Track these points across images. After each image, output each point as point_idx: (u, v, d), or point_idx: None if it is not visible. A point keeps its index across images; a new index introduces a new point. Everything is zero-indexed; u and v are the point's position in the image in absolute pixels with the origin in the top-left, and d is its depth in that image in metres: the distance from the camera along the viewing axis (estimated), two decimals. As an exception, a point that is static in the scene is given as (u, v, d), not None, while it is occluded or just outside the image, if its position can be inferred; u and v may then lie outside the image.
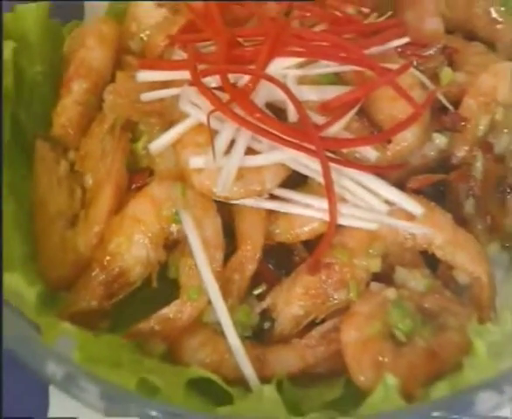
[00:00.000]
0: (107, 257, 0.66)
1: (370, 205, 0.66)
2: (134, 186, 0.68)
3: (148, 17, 0.72)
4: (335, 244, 0.66)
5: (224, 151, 0.66)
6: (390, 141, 0.67)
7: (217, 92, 0.66)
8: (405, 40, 0.69)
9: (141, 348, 0.66)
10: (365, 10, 0.71)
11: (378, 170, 0.67)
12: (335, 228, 0.65)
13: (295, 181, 0.67)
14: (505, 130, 0.69)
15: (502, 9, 0.71)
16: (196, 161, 0.66)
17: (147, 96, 0.68)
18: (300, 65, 0.68)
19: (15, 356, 0.61)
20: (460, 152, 0.68)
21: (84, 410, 0.62)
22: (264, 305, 0.66)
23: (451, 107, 0.69)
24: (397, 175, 0.68)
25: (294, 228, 0.67)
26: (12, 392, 0.67)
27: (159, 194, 0.67)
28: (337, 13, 0.70)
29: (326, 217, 0.65)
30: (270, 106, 0.67)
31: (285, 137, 0.65)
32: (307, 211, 0.67)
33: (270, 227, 0.67)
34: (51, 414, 0.68)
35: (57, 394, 0.67)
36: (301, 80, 0.68)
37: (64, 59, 0.71)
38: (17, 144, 0.69)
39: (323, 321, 0.66)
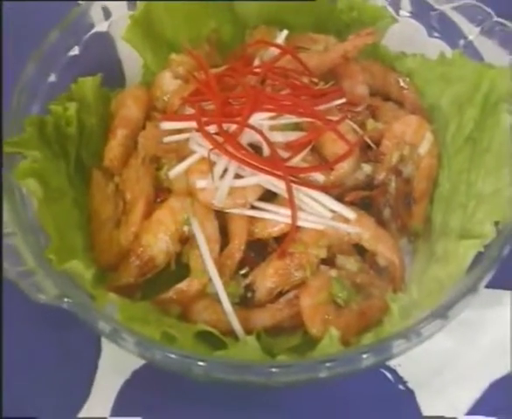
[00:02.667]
0: (140, 249, 0.67)
1: (319, 212, 0.67)
2: (158, 200, 0.69)
3: (168, 85, 0.72)
4: (296, 240, 0.67)
5: (220, 176, 0.67)
6: (332, 169, 0.68)
7: (215, 136, 0.67)
8: (343, 100, 0.69)
9: (163, 311, 0.66)
10: (315, 80, 0.71)
11: (325, 189, 0.68)
12: (295, 228, 0.66)
13: (268, 196, 0.68)
14: (410, 161, 0.70)
15: (407, 79, 0.72)
16: (200, 183, 0.67)
17: (167, 139, 0.69)
18: (272, 118, 0.68)
19: (77, 317, 0.61)
20: (380, 176, 0.69)
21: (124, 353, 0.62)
22: (247, 281, 0.67)
23: (374, 146, 0.70)
24: (337, 192, 0.68)
25: (267, 228, 0.68)
26: (76, 342, 0.68)
27: (175, 205, 0.67)
28: (296, 82, 0.70)
29: (289, 221, 0.67)
30: (251, 145, 0.68)
31: (261, 166, 0.66)
32: (277, 217, 0.67)
33: (251, 228, 0.68)
34: (103, 356, 0.68)
35: (106, 342, 0.67)
36: (272, 128, 0.68)
37: (111, 115, 0.71)
38: (80, 173, 0.69)
39: (288, 292, 0.67)
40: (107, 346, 0.67)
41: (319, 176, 0.68)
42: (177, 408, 0.66)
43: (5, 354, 0.67)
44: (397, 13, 0.75)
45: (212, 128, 0.68)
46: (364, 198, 0.69)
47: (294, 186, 0.66)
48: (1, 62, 0.78)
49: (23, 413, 0.65)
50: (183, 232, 0.67)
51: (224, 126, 0.68)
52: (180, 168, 0.68)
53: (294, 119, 0.69)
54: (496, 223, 0.64)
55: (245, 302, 0.67)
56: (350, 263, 0.68)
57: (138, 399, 0.66)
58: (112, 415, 0.66)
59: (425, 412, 0.66)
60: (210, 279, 0.66)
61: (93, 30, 0.74)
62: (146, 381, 0.67)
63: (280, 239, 0.68)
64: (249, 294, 0.67)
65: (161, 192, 0.70)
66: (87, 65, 0.73)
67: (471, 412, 0.66)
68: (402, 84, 0.73)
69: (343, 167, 0.68)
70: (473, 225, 0.66)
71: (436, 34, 0.73)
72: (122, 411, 0.66)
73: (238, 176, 0.67)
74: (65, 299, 0.61)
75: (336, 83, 0.72)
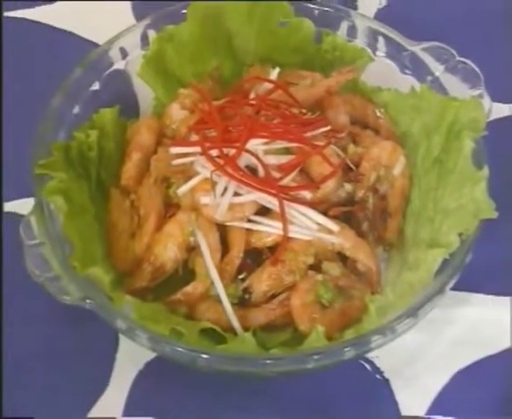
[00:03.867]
0: (152, 257, 0.66)
1: (307, 225, 0.67)
2: (168, 215, 0.69)
3: (176, 116, 0.72)
4: (287, 249, 0.66)
5: (221, 194, 0.67)
6: (318, 188, 0.68)
7: (217, 159, 0.67)
8: (327, 128, 0.69)
9: (172, 311, 0.66)
10: (303, 110, 0.71)
11: (312, 205, 0.68)
12: (286, 239, 0.66)
13: (263, 211, 0.68)
14: (385, 181, 0.70)
15: (383, 110, 0.72)
16: (204, 200, 0.67)
17: (175, 162, 0.69)
18: (266, 143, 0.68)
19: (95, 318, 0.62)
20: (360, 194, 0.69)
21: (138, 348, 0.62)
22: (245, 284, 0.67)
23: (354, 168, 0.70)
24: (322, 207, 0.68)
25: (262, 239, 0.67)
26: (96, 338, 0.68)
27: (183, 219, 0.67)
28: (287, 112, 0.70)
29: (281, 233, 0.66)
30: (248, 167, 0.68)
31: (256, 185, 0.67)
32: (270, 229, 0.67)
33: (248, 238, 0.67)
34: (120, 350, 0.68)
35: (123, 338, 0.67)
36: (266, 152, 0.68)
37: (127, 141, 0.71)
38: (100, 191, 0.69)
39: (280, 294, 0.67)
40: (124, 342, 0.67)
41: (307, 194, 0.68)
42: (183, 394, 0.66)
43: (27, 350, 0.67)
44: (374, 53, 0.75)
45: (214, 152, 0.68)
46: (346, 213, 0.69)
47: (285, 202, 0.66)
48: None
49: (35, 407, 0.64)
50: (189, 242, 0.67)
51: (225, 150, 0.68)
52: (187, 186, 0.68)
53: (285, 144, 0.69)
54: (460, 235, 0.64)
55: (242, 303, 0.67)
56: (334, 268, 0.67)
57: (150, 386, 0.66)
58: (128, 402, 0.66)
59: (399, 397, 0.66)
60: (212, 283, 0.66)
61: (112, 68, 0.74)
62: (157, 371, 0.67)
63: (273, 248, 0.68)
64: (246, 296, 0.67)
65: (170, 207, 0.69)
66: (107, 98, 0.73)
67: (440, 395, 0.66)
68: (378, 114, 0.73)
69: (328, 185, 0.68)
70: (439, 236, 0.66)
71: (407, 71, 0.74)
72: (137, 395, 0.66)
73: (236, 194, 0.67)
74: (87, 301, 0.62)
75: (322, 113, 0.72)
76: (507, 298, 0.70)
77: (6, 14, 0.80)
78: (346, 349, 0.60)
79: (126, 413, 0.65)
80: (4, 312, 0.68)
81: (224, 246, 0.68)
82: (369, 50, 0.75)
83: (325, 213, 0.68)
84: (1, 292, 0.65)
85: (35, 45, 0.80)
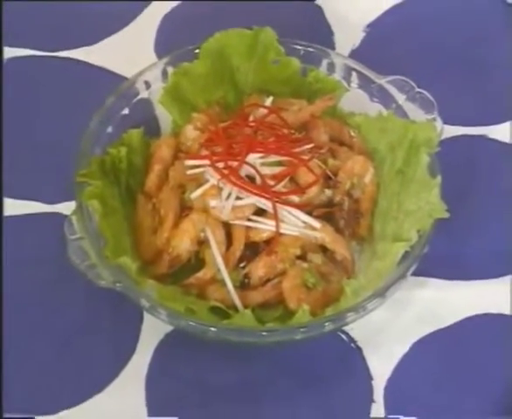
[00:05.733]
0: (170, 249, 0.66)
1: (295, 223, 0.67)
2: (183, 214, 0.68)
3: (190, 135, 0.71)
4: (279, 242, 0.66)
5: (226, 198, 0.67)
6: (304, 193, 0.68)
7: (222, 170, 0.67)
8: (311, 145, 0.69)
9: (186, 292, 0.66)
10: (292, 131, 0.70)
11: (299, 207, 0.67)
12: (278, 234, 0.66)
13: (259, 211, 0.68)
14: (358, 188, 0.70)
15: (356, 131, 0.72)
16: (212, 203, 0.67)
17: (189, 172, 0.69)
18: (262, 157, 0.68)
19: (124, 298, 0.61)
20: (337, 198, 0.68)
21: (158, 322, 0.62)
22: (245, 271, 0.66)
23: (333, 177, 0.70)
24: (307, 209, 0.68)
25: (259, 234, 0.67)
26: (127, 315, 0.67)
27: (195, 218, 0.67)
28: (279, 132, 0.70)
29: (274, 229, 0.66)
30: (247, 176, 0.68)
31: (254, 191, 0.67)
32: (266, 226, 0.67)
33: (247, 234, 0.67)
34: (144, 323, 0.67)
35: (146, 314, 0.66)
36: (262, 164, 0.68)
37: (150, 155, 0.70)
38: (128, 196, 0.69)
39: (273, 279, 0.67)
40: (147, 317, 0.67)
41: (295, 198, 0.68)
42: (195, 357, 0.66)
43: (71, 325, 0.66)
44: (349, 85, 0.74)
45: (220, 164, 0.68)
46: (326, 213, 0.69)
47: (277, 205, 0.67)
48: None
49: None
50: (200, 237, 0.67)
51: (229, 163, 0.68)
52: (198, 192, 0.68)
53: (277, 158, 0.69)
54: (418, 231, 0.64)
55: (243, 286, 0.66)
56: (317, 258, 0.67)
57: (169, 352, 0.66)
58: (151, 364, 0.65)
59: (369, 362, 0.66)
60: (218, 270, 0.66)
61: (138, 97, 0.74)
62: (174, 340, 0.67)
63: (267, 242, 0.67)
64: (246, 280, 0.66)
65: (185, 209, 0.69)
66: (134, 121, 0.72)
67: (401, 361, 0.65)
68: (352, 134, 0.73)
69: (312, 191, 0.68)
70: (402, 232, 0.66)
71: (375, 100, 0.73)
72: (158, 359, 0.65)
73: (238, 198, 0.67)
74: (118, 284, 0.62)
75: (306, 133, 0.72)
76: (456, 282, 0.70)
77: (56, 54, 0.81)
78: (326, 324, 0.60)
79: (149, 373, 0.65)
80: (50, 294, 0.68)
81: (229, 240, 0.68)
82: (344, 82, 0.75)
83: (310, 213, 0.68)
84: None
85: (78, 79, 0.80)
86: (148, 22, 0.84)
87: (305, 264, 0.67)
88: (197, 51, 0.75)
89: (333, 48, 0.82)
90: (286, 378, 0.65)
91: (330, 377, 0.65)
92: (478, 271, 0.70)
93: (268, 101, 0.74)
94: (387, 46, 0.82)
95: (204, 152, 0.70)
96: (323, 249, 0.68)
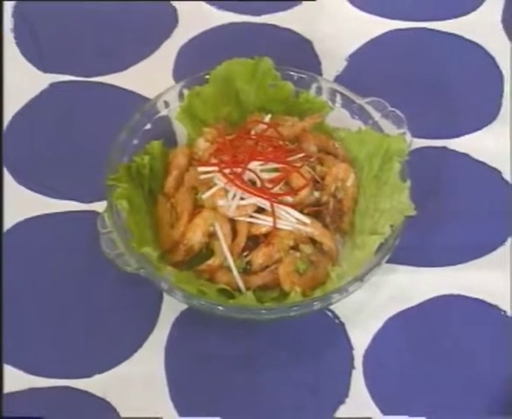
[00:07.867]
0: (185, 241, 0.65)
1: (289, 219, 0.65)
2: (196, 212, 0.67)
3: (202, 146, 0.70)
4: (276, 235, 0.65)
5: (231, 198, 0.65)
6: (297, 194, 0.66)
7: (229, 175, 0.66)
8: (303, 154, 0.68)
9: (199, 277, 0.64)
10: (287, 143, 0.69)
11: (292, 206, 0.66)
12: (275, 229, 0.65)
13: (259, 210, 0.66)
14: (341, 190, 0.68)
15: (339, 143, 0.70)
16: (220, 202, 0.65)
17: (201, 177, 0.67)
18: (261, 164, 0.67)
19: (147, 281, 0.60)
20: (324, 198, 0.67)
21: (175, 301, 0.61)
22: (247, 259, 0.65)
23: (320, 181, 0.68)
24: (299, 207, 0.66)
25: (259, 228, 0.66)
26: (147, 295, 0.65)
27: (206, 215, 0.66)
28: (276, 144, 0.69)
29: (271, 224, 0.65)
30: (249, 180, 0.67)
31: (255, 193, 0.65)
32: (265, 222, 0.65)
33: (249, 228, 0.66)
34: (164, 302, 0.65)
35: (165, 295, 0.65)
36: (262, 170, 0.67)
37: (169, 162, 0.69)
38: (151, 196, 0.68)
39: (271, 265, 0.65)
40: (166, 297, 0.66)
41: (289, 198, 0.67)
42: (205, 330, 0.64)
43: (102, 304, 0.65)
44: (334, 105, 0.73)
45: (227, 170, 0.67)
46: (315, 211, 0.68)
47: (274, 204, 0.65)
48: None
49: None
50: (210, 230, 0.66)
51: (234, 169, 0.67)
52: (209, 193, 0.67)
53: (274, 165, 0.68)
54: (391, 226, 0.64)
55: (246, 271, 0.65)
56: (307, 248, 0.66)
57: (184, 327, 0.65)
58: (169, 337, 0.64)
59: (351, 335, 0.65)
60: (225, 258, 0.65)
61: (159, 115, 0.72)
62: (188, 317, 0.65)
63: (266, 235, 0.66)
64: (248, 267, 0.65)
65: (197, 207, 0.68)
66: (155, 134, 0.71)
67: (376, 334, 0.64)
68: (336, 145, 0.71)
69: (303, 193, 0.67)
70: (377, 227, 0.65)
71: (356, 117, 0.72)
72: (175, 333, 0.64)
73: (242, 198, 0.66)
74: (142, 270, 0.61)
75: (299, 144, 0.71)
76: (421, 268, 0.69)
77: (91, 79, 0.80)
78: (315, 303, 0.60)
79: (167, 344, 0.63)
80: (85, 278, 0.67)
81: (234, 233, 0.66)
82: (330, 102, 0.73)
83: (301, 211, 0.67)
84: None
85: (109, 99, 0.79)
86: (168, 52, 0.83)
87: (297, 254, 0.65)
88: (207, 76, 0.74)
89: (320, 74, 0.80)
90: (281, 349, 0.64)
91: (318, 347, 0.64)
92: (440, 260, 0.69)
93: (267, 118, 0.73)
94: (366, 73, 0.81)
95: (214, 160, 0.69)
96: (313, 241, 0.67)
